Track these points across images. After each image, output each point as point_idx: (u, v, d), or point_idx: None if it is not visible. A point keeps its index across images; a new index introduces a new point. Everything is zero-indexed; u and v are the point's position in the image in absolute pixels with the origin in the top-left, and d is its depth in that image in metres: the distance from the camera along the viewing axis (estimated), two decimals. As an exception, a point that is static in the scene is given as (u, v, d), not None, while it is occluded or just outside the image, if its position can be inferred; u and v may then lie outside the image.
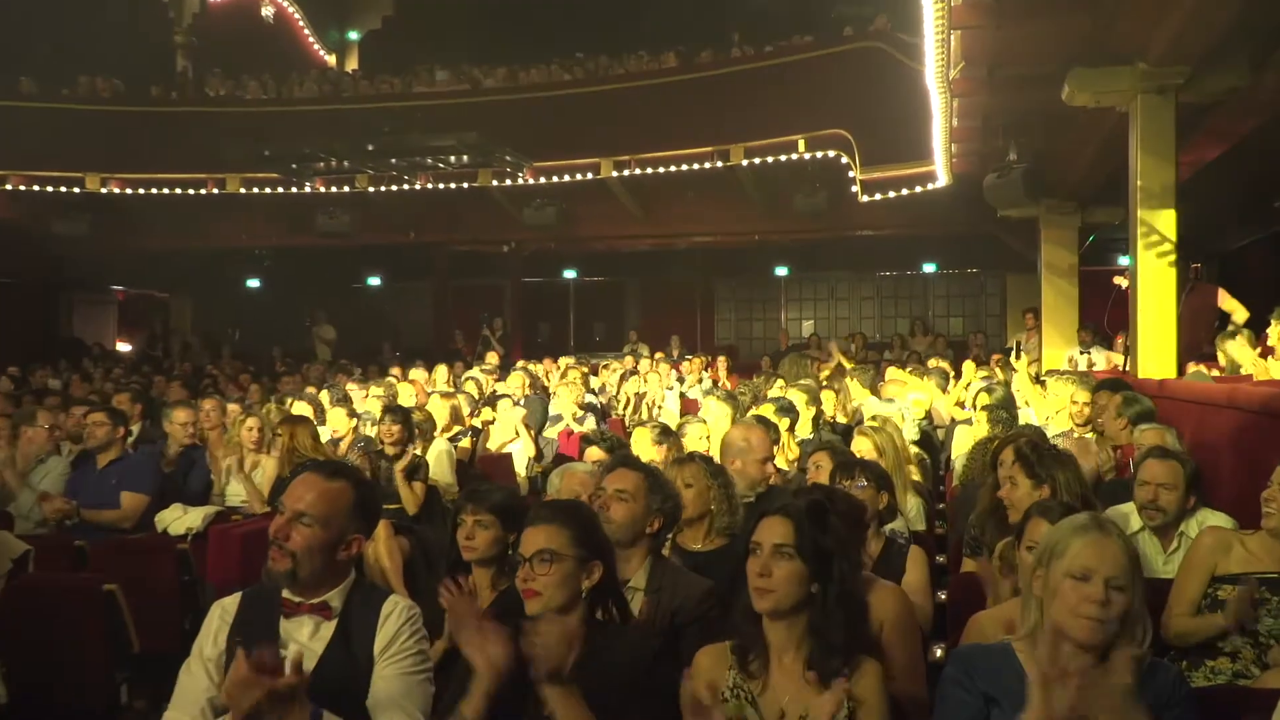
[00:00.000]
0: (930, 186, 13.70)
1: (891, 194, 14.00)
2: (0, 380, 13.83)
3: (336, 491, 2.97)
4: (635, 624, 3.21)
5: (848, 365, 11.76)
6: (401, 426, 7.27)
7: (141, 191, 16.86)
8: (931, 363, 12.98)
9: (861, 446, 5.85)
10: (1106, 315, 10.50)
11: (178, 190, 16.78)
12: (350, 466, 3.29)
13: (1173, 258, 8.22)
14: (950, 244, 19.59)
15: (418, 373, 12.71)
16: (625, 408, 12.04)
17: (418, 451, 7.50)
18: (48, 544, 5.81)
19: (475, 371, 13.00)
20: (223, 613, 3.00)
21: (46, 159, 16.66)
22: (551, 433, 10.26)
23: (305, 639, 2.92)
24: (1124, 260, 14.52)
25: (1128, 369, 8.98)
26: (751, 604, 2.86)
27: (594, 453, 5.58)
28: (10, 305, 19.57)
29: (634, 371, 13.72)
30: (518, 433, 9.34)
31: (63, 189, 16.71)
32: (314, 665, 2.84)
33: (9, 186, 16.66)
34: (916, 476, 6.36)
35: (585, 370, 13.68)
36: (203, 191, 16.79)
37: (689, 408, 11.20)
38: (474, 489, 4.10)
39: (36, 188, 16.70)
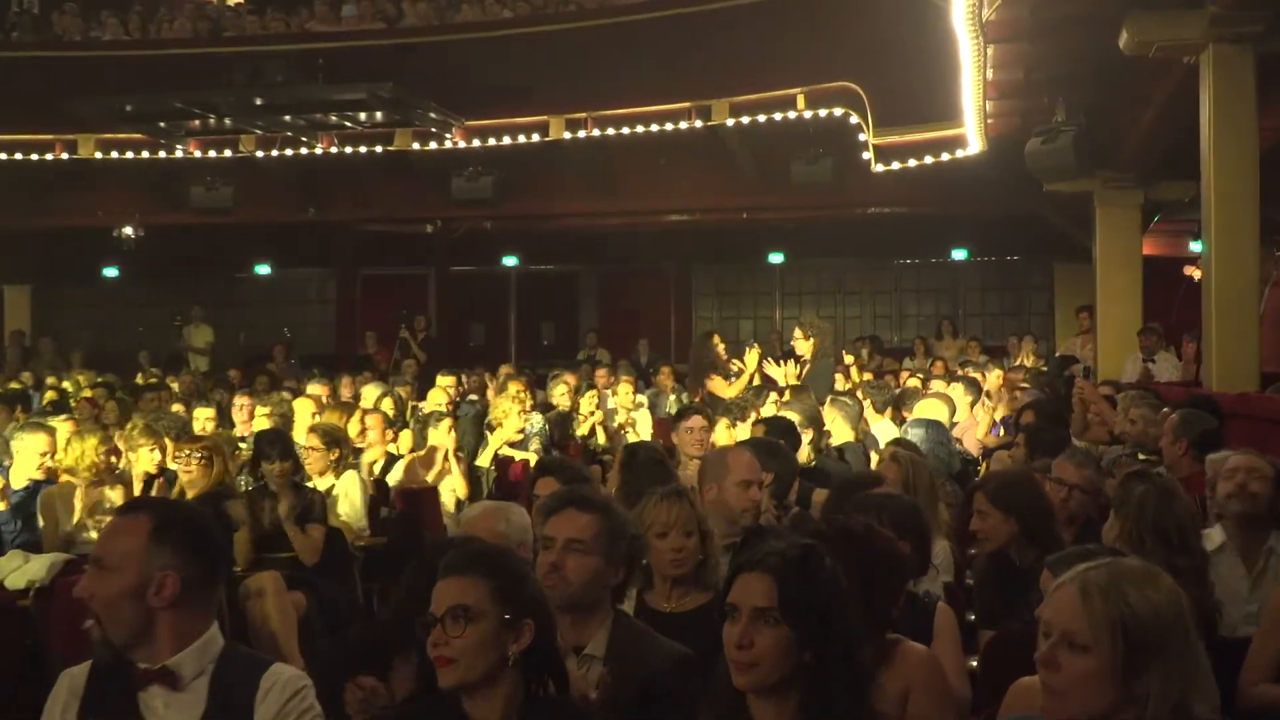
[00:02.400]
0: (960, 154, 13.81)
1: (912, 163, 14.10)
2: None
3: (131, 525, 3.00)
4: (575, 698, 3.22)
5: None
6: (289, 460, 7.30)
7: (-30, 157, 16.76)
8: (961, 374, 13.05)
9: (889, 474, 5.88)
10: (1174, 314, 10.65)
11: (17, 155, 16.65)
12: (154, 498, 3.33)
13: (1255, 243, 8.35)
14: (985, 225, 19.75)
15: (317, 387, 12.69)
16: (583, 427, 12.08)
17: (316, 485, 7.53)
18: None
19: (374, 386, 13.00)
20: (71, 683, 3.02)
21: None
22: (484, 459, 10.29)
23: (163, 712, 2.94)
24: (1196, 246, 14.74)
25: (1199, 380, 9.11)
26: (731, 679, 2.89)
27: (550, 484, 5.39)
28: None
29: (591, 384, 13.77)
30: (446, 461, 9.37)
31: None
32: None
33: None
34: (943, 514, 6.42)
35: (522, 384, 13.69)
36: (48, 157, 16.68)
37: (664, 432, 11.23)
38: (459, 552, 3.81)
39: None
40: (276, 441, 7.47)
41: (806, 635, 2.85)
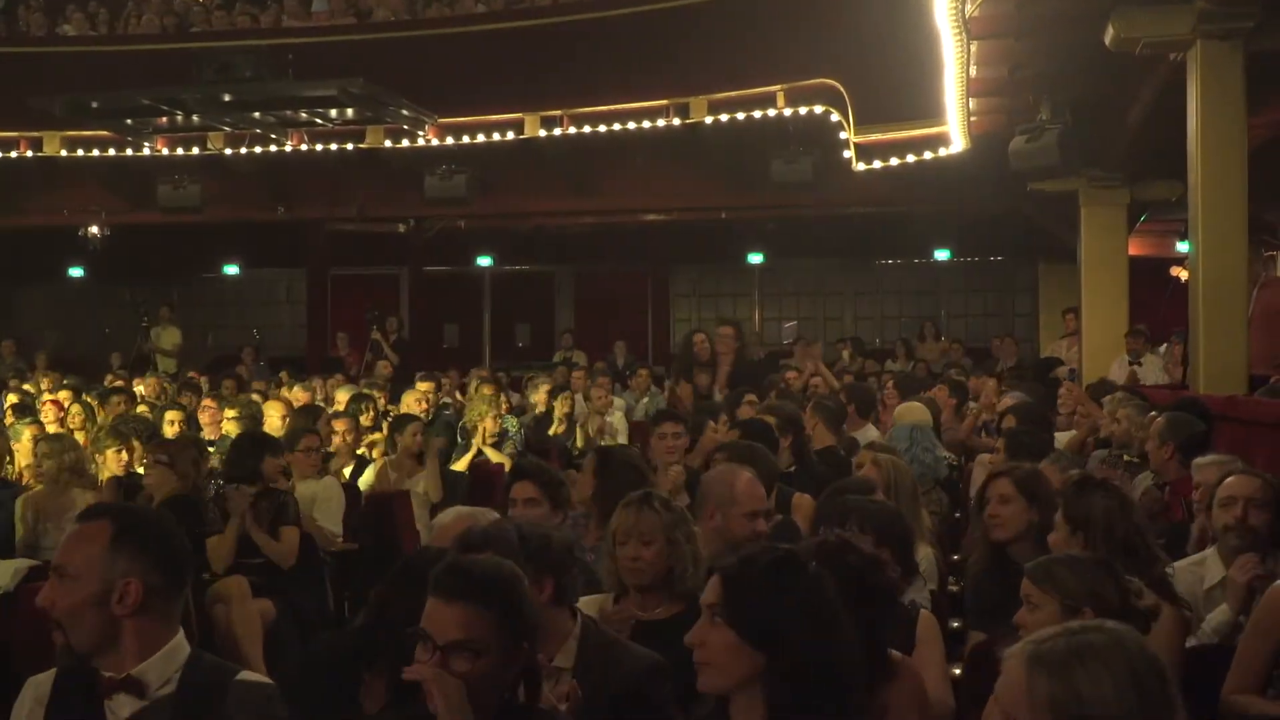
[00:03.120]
0: (943, 152, 13.84)
1: (894, 161, 14.12)
2: None
3: (91, 532, 2.98)
4: (546, 708, 3.19)
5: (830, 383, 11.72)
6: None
7: (-68, 154, 16.66)
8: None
9: (869, 475, 5.86)
10: (1161, 315, 10.69)
11: (-21, 153, 16.59)
12: (114, 504, 3.31)
13: (1243, 244, 8.37)
14: (968, 225, 19.81)
15: (297, 392, 12.66)
16: (558, 427, 12.08)
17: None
18: None
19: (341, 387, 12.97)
20: (36, 691, 3.02)
21: None
22: (461, 464, 10.27)
23: None
24: (1183, 247, 14.79)
25: (1186, 382, 9.13)
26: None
27: (525, 489, 5.33)
28: None
29: (566, 386, 13.75)
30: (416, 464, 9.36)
31: None
32: None
33: None
34: (925, 520, 6.42)
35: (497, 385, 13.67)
36: (13, 155, 16.60)
37: (641, 435, 11.22)
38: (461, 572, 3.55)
39: None
40: (249, 444, 7.46)
41: (754, 639, 2.84)
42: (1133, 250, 14.96)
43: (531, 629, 2.96)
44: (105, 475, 8.08)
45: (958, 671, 4.60)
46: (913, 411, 8.95)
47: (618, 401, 13.21)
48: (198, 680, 2.97)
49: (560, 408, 12.33)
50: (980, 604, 4.95)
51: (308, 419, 9.78)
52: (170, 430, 9.70)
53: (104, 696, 2.93)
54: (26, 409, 11.96)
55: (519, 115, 15.60)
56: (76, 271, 22.78)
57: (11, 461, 8.58)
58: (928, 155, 13.96)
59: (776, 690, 2.83)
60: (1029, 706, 2.32)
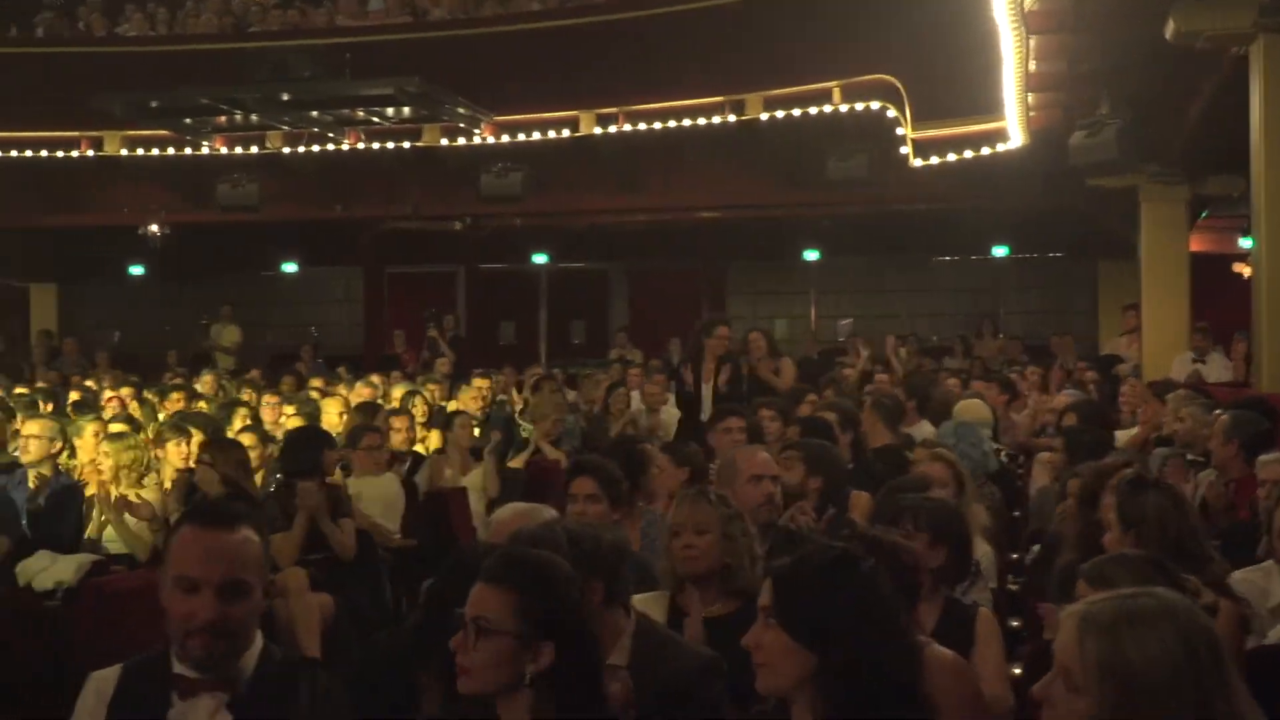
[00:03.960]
0: (1001, 148, 13.76)
1: (952, 157, 14.06)
2: None
3: (251, 542, 3.02)
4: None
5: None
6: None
7: (-3, 154, 16.88)
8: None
9: (933, 474, 5.83)
10: (1223, 313, 10.59)
11: (43, 153, 16.79)
12: (234, 507, 3.30)
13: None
14: (1027, 221, 19.63)
15: (360, 389, 12.71)
16: (617, 423, 12.09)
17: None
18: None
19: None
20: (99, 688, 3.03)
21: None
22: (518, 461, 10.30)
23: (201, 717, 2.95)
24: (1245, 243, 14.64)
25: (1249, 380, 9.05)
26: None
27: (585, 485, 5.32)
28: None
29: (622, 382, 13.76)
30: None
31: (-104, 151, 16.73)
32: None
33: None
34: (983, 517, 6.39)
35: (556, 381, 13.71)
36: (73, 154, 16.80)
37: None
38: (502, 556, 3.36)
39: None
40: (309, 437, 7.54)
41: (806, 639, 2.85)
42: (1194, 246, 14.81)
43: (557, 627, 2.96)
44: (167, 469, 8.18)
45: (1018, 671, 4.58)
46: (972, 408, 8.91)
47: (671, 398, 13.21)
48: (271, 672, 3.01)
49: (616, 404, 12.34)
50: (1065, 595, 4.88)
51: (367, 415, 9.85)
52: (239, 425, 9.81)
53: (187, 696, 2.94)
54: (88, 406, 12.11)
55: (574, 113, 15.64)
56: (137, 270, 22.97)
57: (74, 457, 8.69)
58: (986, 151, 13.89)
59: (829, 690, 2.82)
60: (1081, 666, 2.40)
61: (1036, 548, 6.37)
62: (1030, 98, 11.83)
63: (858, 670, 2.82)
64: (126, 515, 7.40)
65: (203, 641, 2.90)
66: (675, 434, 10.28)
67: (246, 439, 8.44)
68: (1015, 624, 5.53)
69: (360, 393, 12.53)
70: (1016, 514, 8.44)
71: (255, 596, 2.97)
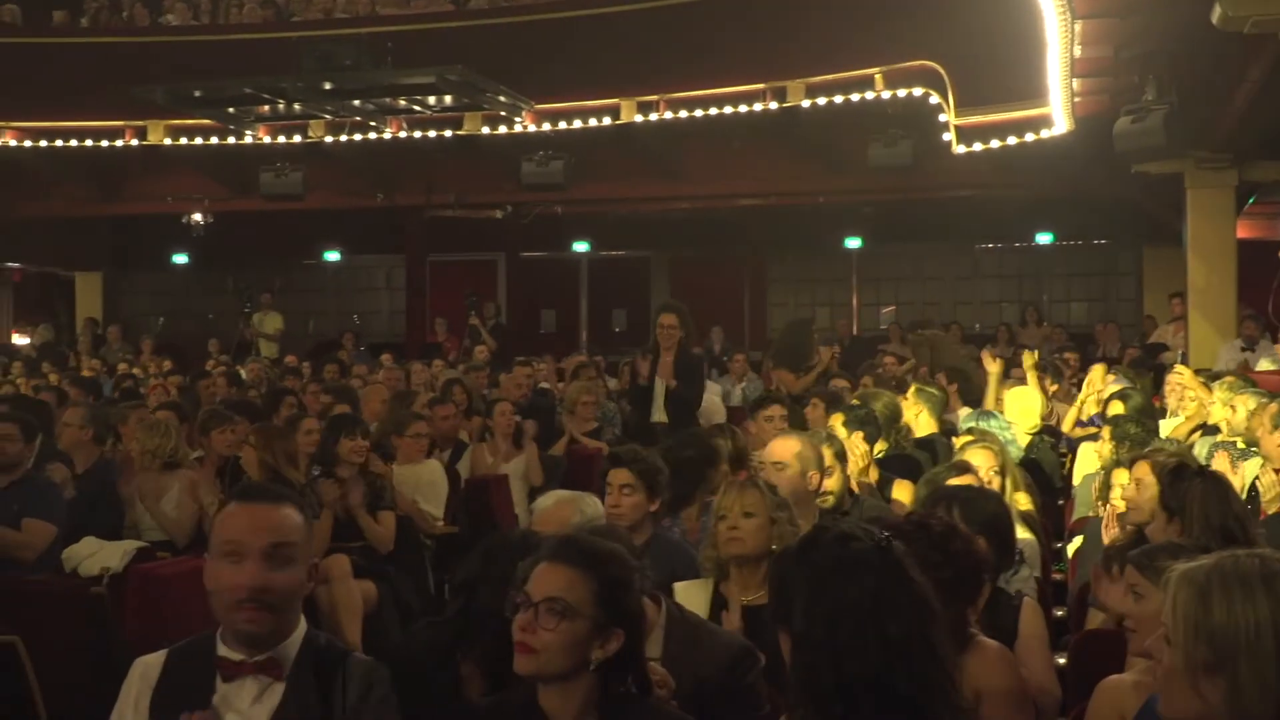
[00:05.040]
0: (1045, 134, 13.67)
1: (995, 144, 13.97)
2: None
3: (294, 517, 3.05)
4: (659, 702, 3.20)
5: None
6: (366, 437, 7.36)
7: (43, 144, 16.99)
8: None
9: (977, 461, 5.80)
10: (1271, 301, 10.47)
11: (87, 142, 16.89)
12: (278, 487, 3.34)
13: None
14: (1071, 208, 19.52)
15: (419, 369, 12.74)
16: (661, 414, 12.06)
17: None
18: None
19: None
20: (145, 673, 3.05)
21: (-79, 104, 16.84)
22: (559, 448, 10.31)
23: (246, 706, 2.96)
24: (1294, 229, 14.47)
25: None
26: None
27: (621, 476, 5.24)
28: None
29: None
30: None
31: (-56, 142, 16.87)
32: None
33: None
34: (1026, 505, 6.36)
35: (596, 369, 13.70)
36: (118, 143, 16.89)
37: (736, 420, 11.19)
38: (575, 541, 3.31)
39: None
40: (355, 421, 7.56)
41: (781, 625, 2.78)
42: (1241, 233, 14.68)
43: (628, 616, 3.00)
44: (212, 456, 8.24)
45: (1062, 660, 4.56)
46: (1020, 396, 8.86)
47: (713, 386, 13.20)
48: (313, 658, 3.02)
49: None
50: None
51: (404, 403, 9.89)
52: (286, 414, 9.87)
53: (231, 678, 2.96)
54: (133, 393, 12.22)
55: (615, 100, 15.61)
56: (180, 258, 23.14)
57: (119, 444, 8.76)
58: (1030, 137, 13.79)
59: (794, 679, 2.73)
60: (1173, 620, 2.48)
61: (1080, 538, 6.32)
62: (1075, 83, 11.74)
63: (810, 659, 2.68)
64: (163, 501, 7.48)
65: (248, 614, 2.92)
66: (624, 434, 10.20)
67: (309, 424, 8.48)
68: (1059, 613, 5.50)
69: (420, 374, 12.58)
70: (1060, 503, 8.40)
71: (299, 571, 2.98)
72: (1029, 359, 9.69)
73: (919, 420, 8.30)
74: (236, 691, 2.97)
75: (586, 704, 2.96)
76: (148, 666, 3.06)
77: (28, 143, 17.01)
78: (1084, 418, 10.01)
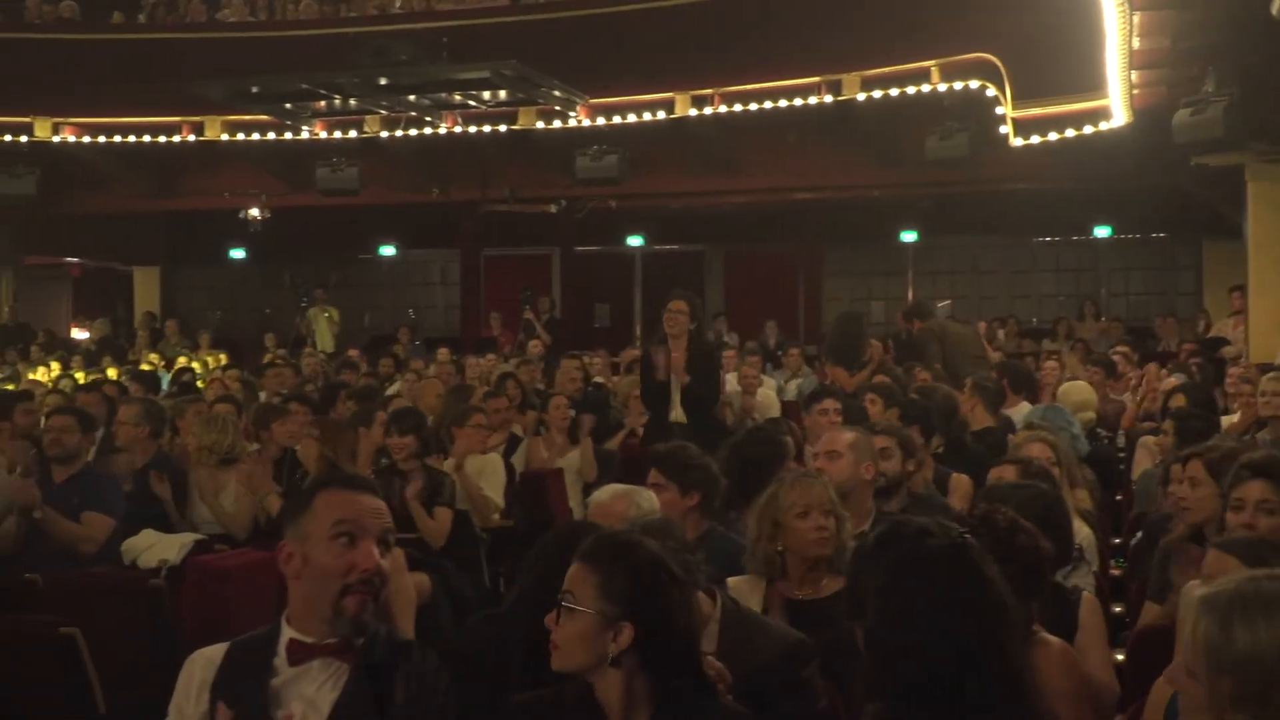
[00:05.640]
0: (1103, 126, 13.56)
1: (1053, 136, 13.87)
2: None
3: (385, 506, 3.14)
4: (721, 699, 3.20)
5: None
6: (414, 436, 7.37)
7: (101, 140, 17.17)
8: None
9: (1034, 455, 5.75)
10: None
11: (145, 138, 17.05)
12: (364, 478, 3.39)
13: None
14: (1130, 201, 19.37)
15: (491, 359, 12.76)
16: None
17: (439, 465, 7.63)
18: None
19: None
20: (205, 665, 3.08)
21: (-17, 101, 17.03)
22: (614, 443, 10.32)
23: (311, 692, 2.99)
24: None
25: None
26: None
27: (654, 475, 5.30)
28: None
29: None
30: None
31: (5, 138, 17.04)
32: None
33: (-60, 135, 17.02)
34: (1085, 501, 6.31)
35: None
36: (175, 139, 17.04)
37: (790, 415, 11.17)
38: (596, 537, 3.34)
39: (-27, 136, 17.06)
40: (407, 416, 7.58)
41: (855, 617, 2.77)
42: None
43: (637, 608, 2.98)
44: (270, 449, 8.31)
45: (1121, 657, 4.53)
46: (1076, 390, 8.81)
47: (767, 380, 13.19)
48: (378, 648, 3.06)
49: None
50: (1164, 577, 4.82)
51: (461, 397, 9.92)
52: (342, 408, 9.92)
53: (300, 661, 2.99)
54: (191, 387, 12.34)
55: (670, 95, 15.61)
56: (237, 253, 23.33)
57: (176, 437, 8.84)
58: (1088, 130, 13.69)
59: (867, 675, 2.74)
60: (1192, 645, 2.36)
61: (1140, 534, 6.27)
62: (1134, 75, 11.65)
63: (878, 651, 2.70)
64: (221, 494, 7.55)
65: (359, 598, 2.98)
66: (643, 437, 9.41)
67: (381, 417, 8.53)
68: (1118, 609, 5.46)
69: (484, 367, 12.63)
70: (1119, 498, 8.35)
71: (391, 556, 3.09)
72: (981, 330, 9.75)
73: (975, 414, 8.25)
74: (302, 676, 2.99)
75: (634, 697, 2.97)
76: (207, 660, 3.09)
77: (86, 139, 17.18)
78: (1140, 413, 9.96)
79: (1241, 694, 2.31)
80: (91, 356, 17.65)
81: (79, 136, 17.16)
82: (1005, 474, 5.17)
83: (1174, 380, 9.64)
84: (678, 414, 8.80)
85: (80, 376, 13.75)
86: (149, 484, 7.67)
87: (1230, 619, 2.35)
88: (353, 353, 16.59)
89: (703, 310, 9.29)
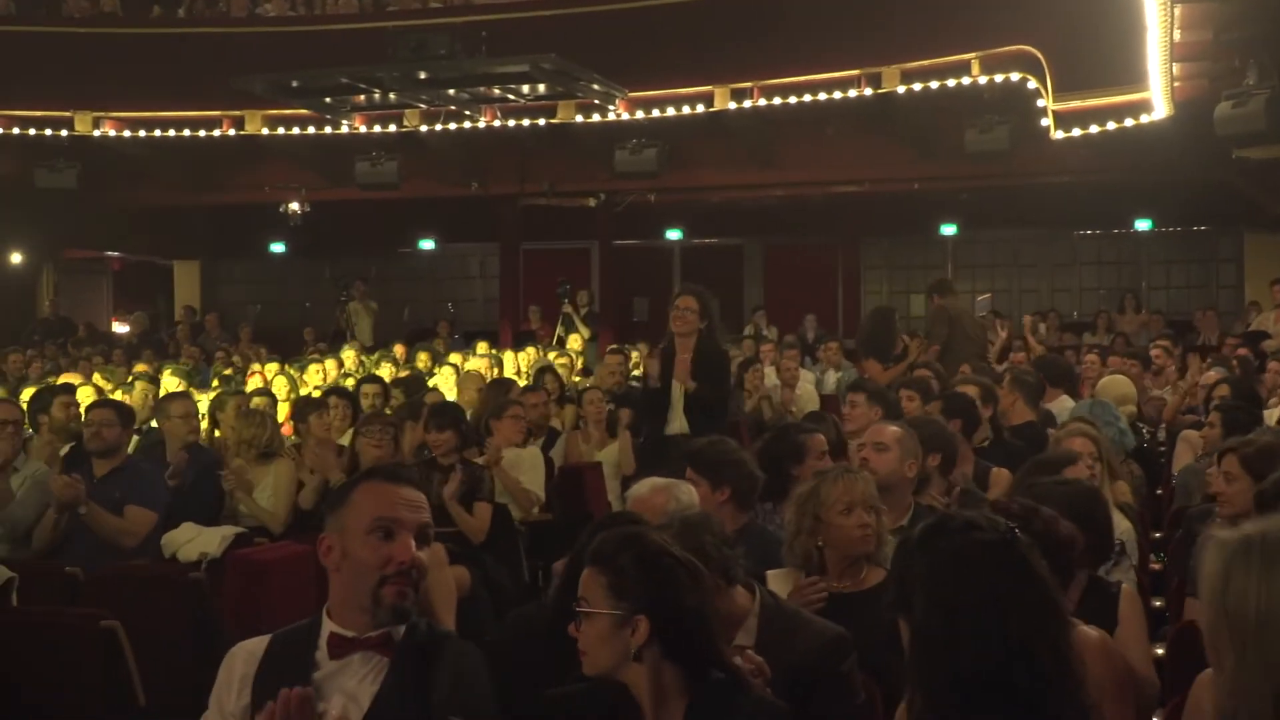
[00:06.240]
0: (1145, 119, 13.49)
1: (1094, 129, 13.79)
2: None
3: (425, 500, 3.17)
4: (750, 685, 3.20)
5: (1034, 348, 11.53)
6: (453, 432, 7.39)
7: (142, 134, 17.26)
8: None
9: (1075, 449, 5.73)
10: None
11: (186, 132, 17.14)
12: (410, 471, 3.41)
13: None
14: (1171, 194, 19.26)
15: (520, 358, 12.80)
16: (750, 404, 12.06)
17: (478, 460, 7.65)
18: (31, 571, 6.01)
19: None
20: (246, 658, 3.09)
21: (25, 96, 17.13)
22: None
23: (352, 685, 3.00)
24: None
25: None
26: None
27: (689, 471, 5.28)
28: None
29: (755, 359, 13.74)
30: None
31: (46, 132, 17.16)
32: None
33: (-17, 130, 17.17)
34: (1126, 495, 6.28)
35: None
36: (215, 134, 17.14)
37: (829, 406, 11.18)
38: (598, 539, 3.32)
39: (16, 130, 17.17)
40: (445, 412, 7.60)
41: (902, 614, 2.74)
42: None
43: (647, 601, 3.01)
44: (309, 442, 8.35)
45: (1161, 651, 4.51)
46: (1116, 384, 8.76)
47: (806, 374, 13.16)
48: (419, 641, 3.07)
49: (750, 381, 12.30)
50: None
51: (500, 391, 9.95)
52: (365, 403, 9.95)
53: (341, 655, 3.00)
54: (231, 380, 12.41)
55: (709, 88, 15.59)
56: (277, 247, 23.46)
57: (217, 430, 8.90)
58: (1129, 122, 13.62)
59: (911, 670, 2.70)
60: (1200, 582, 2.38)
61: (1180, 529, 6.23)
62: (1175, 68, 11.58)
63: (920, 644, 2.68)
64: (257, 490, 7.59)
65: (398, 588, 3.00)
66: (640, 455, 8.93)
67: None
68: (1158, 604, 5.44)
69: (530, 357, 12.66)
70: (1158, 492, 8.30)
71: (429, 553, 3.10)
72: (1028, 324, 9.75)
73: (1015, 408, 8.20)
74: (343, 670, 3.01)
75: (666, 690, 3.00)
76: (249, 653, 3.10)
77: (127, 133, 17.28)
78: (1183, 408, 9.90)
79: (1233, 638, 2.30)
80: (133, 349, 17.77)
81: (119, 131, 17.26)
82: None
83: (1215, 374, 9.58)
84: (680, 424, 8.03)
85: (120, 371, 13.80)
86: (195, 477, 7.72)
87: (1233, 563, 2.33)
88: (399, 349, 16.67)
89: (714, 306, 8.32)
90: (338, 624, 3.04)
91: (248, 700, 3.01)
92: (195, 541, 6.82)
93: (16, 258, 21.88)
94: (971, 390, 7.67)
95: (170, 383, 11.13)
